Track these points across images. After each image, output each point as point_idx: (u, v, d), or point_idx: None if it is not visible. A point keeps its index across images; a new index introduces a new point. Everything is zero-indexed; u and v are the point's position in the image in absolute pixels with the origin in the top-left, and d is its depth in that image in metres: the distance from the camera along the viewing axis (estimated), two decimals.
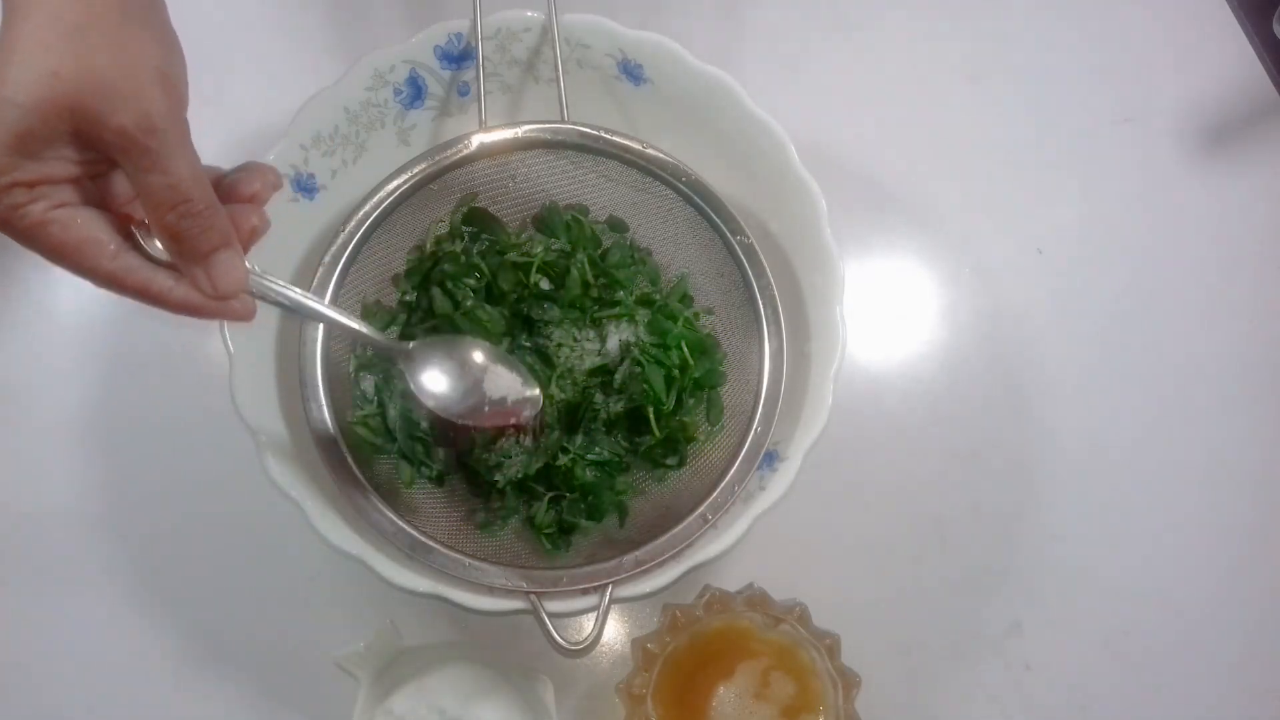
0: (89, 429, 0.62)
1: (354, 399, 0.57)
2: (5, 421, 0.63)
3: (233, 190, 0.42)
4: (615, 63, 0.59)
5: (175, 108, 0.39)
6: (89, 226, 0.39)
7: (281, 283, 0.45)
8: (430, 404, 0.52)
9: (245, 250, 0.42)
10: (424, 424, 0.57)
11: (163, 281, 0.41)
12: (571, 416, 0.56)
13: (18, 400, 0.63)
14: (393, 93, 0.59)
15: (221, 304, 0.42)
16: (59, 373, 0.63)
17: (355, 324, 0.50)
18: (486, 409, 0.53)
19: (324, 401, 0.53)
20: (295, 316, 0.47)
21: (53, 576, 0.60)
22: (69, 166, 0.38)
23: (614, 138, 0.57)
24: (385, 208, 0.55)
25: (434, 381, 0.52)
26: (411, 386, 0.52)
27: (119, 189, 0.41)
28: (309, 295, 0.47)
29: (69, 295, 0.65)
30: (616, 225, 0.60)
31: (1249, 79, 0.72)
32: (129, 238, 0.40)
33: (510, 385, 0.53)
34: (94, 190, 0.40)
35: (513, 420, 0.54)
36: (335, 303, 0.55)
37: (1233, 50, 0.73)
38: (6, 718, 0.58)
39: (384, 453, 0.56)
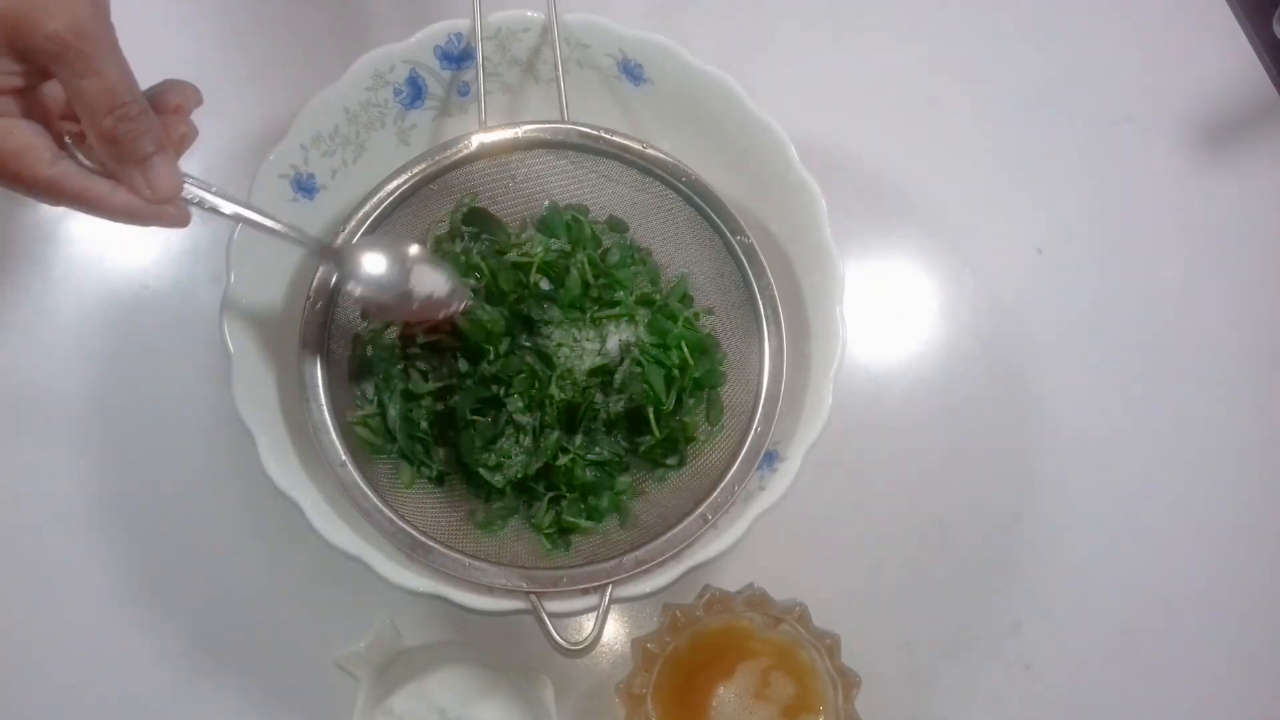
0: (88, 429, 0.62)
1: (354, 399, 0.57)
2: (5, 423, 0.63)
3: (158, 103, 0.43)
4: (615, 63, 0.59)
5: (101, 12, 0.40)
6: (26, 134, 0.40)
7: (213, 187, 0.46)
8: (364, 294, 0.53)
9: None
10: (424, 424, 0.57)
11: (101, 186, 0.42)
12: (571, 416, 0.56)
13: (17, 401, 0.63)
14: (393, 93, 0.59)
15: (159, 209, 0.43)
16: (58, 374, 0.63)
17: (281, 227, 0.50)
18: (416, 305, 0.53)
19: (324, 401, 0.53)
20: (228, 222, 0.49)
21: (52, 577, 0.60)
22: (3, 78, 0.39)
23: (614, 138, 0.57)
24: (385, 208, 0.55)
25: (366, 274, 0.52)
26: (347, 284, 0.52)
27: (50, 104, 0.42)
28: (236, 200, 0.47)
29: (68, 295, 0.65)
30: (616, 225, 0.60)
31: (1249, 79, 0.72)
32: (63, 149, 0.41)
33: (436, 281, 0.54)
34: (26, 104, 0.41)
35: (443, 313, 0.54)
36: (336, 304, 0.55)
37: (1233, 50, 0.73)
38: (5, 718, 0.58)
39: (384, 453, 0.56)
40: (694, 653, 0.54)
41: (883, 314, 0.67)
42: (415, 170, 0.56)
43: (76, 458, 0.62)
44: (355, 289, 0.52)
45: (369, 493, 0.52)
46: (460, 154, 0.56)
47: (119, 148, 0.41)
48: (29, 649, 0.59)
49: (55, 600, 0.60)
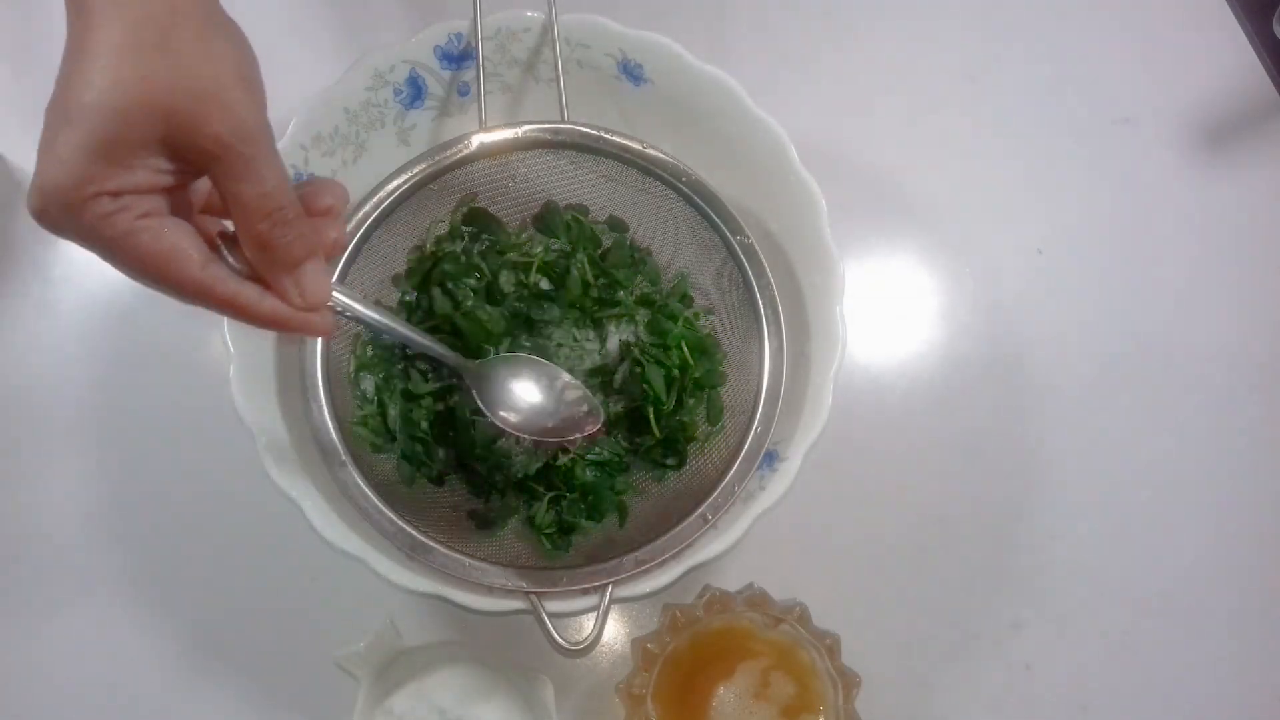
0: (89, 429, 0.62)
1: (354, 399, 0.57)
2: (5, 422, 0.63)
3: (308, 204, 0.42)
4: (615, 63, 0.59)
5: (263, 113, 0.39)
6: (177, 235, 0.38)
7: (359, 298, 0.46)
8: (500, 421, 0.53)
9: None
10: (424, 424, 0.57)
11: (250, 293, 0.40)
12: None
13: (18, 401, 0.63)
14: (393, 93, 0.59)
15: (305, 317, 0.42)
16: (59, 373, 0.63)
17: (429, 342, 0.51)
18: (552, 424, 0.54)
19: (324, 401, 0.53)
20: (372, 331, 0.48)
21: (52, 577, 0.60)
22: (156, 176, 0.37)
23: (614, 138, 0.57)
24: (385, 208, 0.55)
25: (503, 399, 0.53)
26: (480, 404, 0.53)
27: (193, 198, 0.41)
28: (383, 309, 0.47)
29: (69, 296, 0.65)
30: (616, 225, 0.60)
31: (1249, 79, 0.72)
32: (213, 250, 0.40)
33: (575, 403, 0.54)
34: (172, 200, 0.39)
35: (576, 435, 0.54)
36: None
37: (1233, 50, 0.73)
38: (6, 718, 0.58)
39: (384, 452, 0.56)
40: (694, 653, 0.54)
41: (883, 314, 0.67)
42: (415, 170, 0.56)
43: (77, 458, 0.62)
44: (500, 419, 0.53)
45: (369, 493, 0.52)
46: (460, 154, 0.56)
47: (272, 253, 0.39)
48: (29, 648, 0.59)
49: (55, 600, 0.60)
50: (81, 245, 0.38)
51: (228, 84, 0.37)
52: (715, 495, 0.53)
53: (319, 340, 0.54)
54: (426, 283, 0.58)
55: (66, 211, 0.36)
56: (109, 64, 0.35)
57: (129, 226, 0.37)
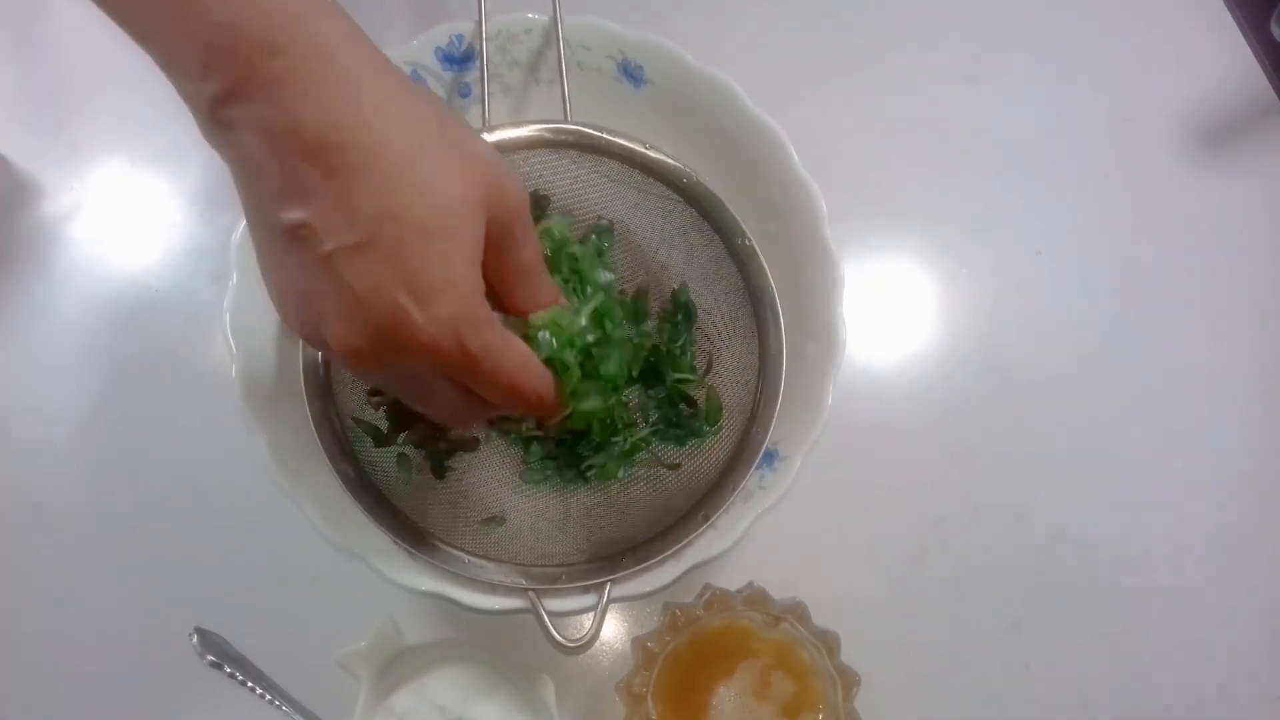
0: (90, 429, 0.63)
1: (364, 399, 0.57)
2: (8, 424, 0.63)
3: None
4: (615, 64, 0.59)
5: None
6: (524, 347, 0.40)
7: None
8: None
9: None
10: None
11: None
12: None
13: (19, 401, 0.63)
14: None
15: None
16: (60, 374, 0.64)
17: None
18: None
19: (325, 400, 0.53)
20: None
21: (52, 577, 0.60)
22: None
23: (616, 139, 0.57)
24: None
25: None
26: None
27: None
28: None
29: (71, 297, 0.65)
30: (603, 232, 0.59)
31: (1248, 79, 0.72)
32: None
33: None
34: None
35: None
36: None
37: (1231, 50, 0.73)
38: (7, 717, 0.58)
39: (385, 446, 0.56)
40: (694, 652, 0.54)
41: (882, 314, 0.67)
42: None
43: (78, 457, 0.62)
44: None
45: (369, 491, 0.52)
46: None
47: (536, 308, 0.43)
48: (29, 649, 0.59)
49: (55, 600, 0.60)
50: (447, 370, 0.36)
51: (494, 157, 0.37)
52: (715, 495, 0.53)
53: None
54: None
55: (471, 328, 0.35)
56: (428, 169, 0.34)
57: (505, 332, 0.37)
